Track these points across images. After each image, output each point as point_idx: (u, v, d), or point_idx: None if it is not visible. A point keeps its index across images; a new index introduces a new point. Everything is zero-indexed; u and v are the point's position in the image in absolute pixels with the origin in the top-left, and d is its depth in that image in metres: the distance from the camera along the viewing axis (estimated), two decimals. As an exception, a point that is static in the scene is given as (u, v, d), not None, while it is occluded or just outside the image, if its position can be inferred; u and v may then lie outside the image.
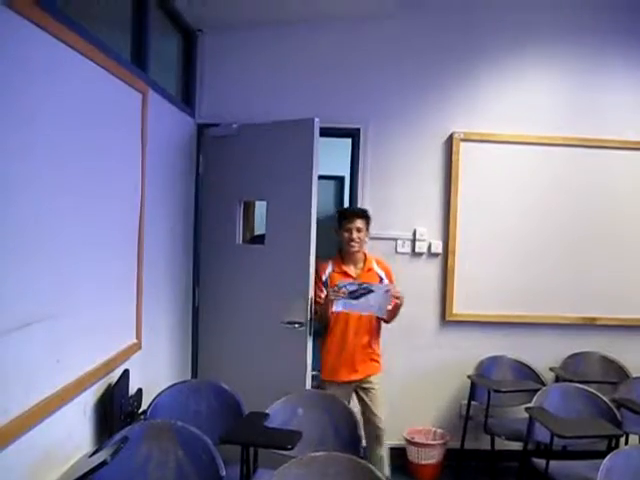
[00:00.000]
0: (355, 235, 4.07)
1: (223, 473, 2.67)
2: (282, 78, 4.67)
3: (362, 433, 3.30)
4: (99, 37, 2.84)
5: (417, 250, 4.73)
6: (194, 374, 4.56)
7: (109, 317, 3.03)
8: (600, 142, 4.70)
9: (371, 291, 3.88)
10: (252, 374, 4.21)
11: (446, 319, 4.73)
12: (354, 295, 3.85)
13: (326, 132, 4.18)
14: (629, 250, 4.78)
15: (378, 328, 4.20)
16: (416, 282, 4.71)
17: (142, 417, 3.27)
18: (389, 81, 4.71)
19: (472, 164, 4.69)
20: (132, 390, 3.26)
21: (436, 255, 4.74)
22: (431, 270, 4.76)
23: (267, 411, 3.30)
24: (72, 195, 2.57)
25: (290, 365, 4.07)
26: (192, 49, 4.63)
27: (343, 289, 3.85)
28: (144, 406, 3.35)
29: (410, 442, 4.60)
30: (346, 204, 4.64)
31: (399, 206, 4.73)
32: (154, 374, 3.73)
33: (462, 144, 4.68)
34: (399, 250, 4.73)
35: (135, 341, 3.39)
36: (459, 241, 4.71)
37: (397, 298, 3.95)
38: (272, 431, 3.13)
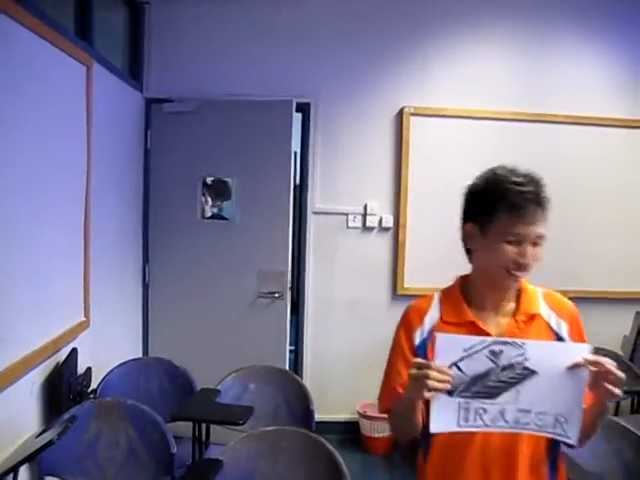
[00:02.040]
0: (529, 252, 1.80)
1: (174, 450, 2.66)
2: (231, 52, 4.60)
3: (314, 408, 3.30)
4: (41, 8, 2.76)
5: (368, 225, 4.72)
6: (145, 352, 4.53)
7: (55, 295, 2.98)
8: (550, 117, 4.74)
9: (532, 372, 1.63)
10: (218, 351, 4.28)
11: (397, 293, 4.75)
12: (486, 386, 1.64)
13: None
14: (582, 223, 4.83)
15: (555, 458, 1.82)
16: (367, 257, 4.72)
17: (92, 396, 3.23)
18: (339, 55, 4.67)
19: (422, 138, 4.70)
20: (81, 369, 3.21)
21: (387, 229, 4.75)
22: (382, 244, 4.76)
23: (218, 387, 3.29)
24: (12, 170, 2.49)
25: (268, 336, 4.13)
26: (139, 22, 4.53)
27: (458, 374, 1.62)
28: (94, 385, 3.31)
29: (363, 415, 4.63)
30: (297, 180, 4.62)
31: (350, 181, 4.71)
32: (104, 353, 3.68)
33: (412, 118, 4.67)
34: (350, 225, 4.72)
35: (83, 319, 3.33)
36: (410, 215, 4.72)
37: (609, 380, 1.58)
38: (223, 407, 3.12)
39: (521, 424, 1.63)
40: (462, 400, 1.62)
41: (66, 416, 2.63)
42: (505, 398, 1.62)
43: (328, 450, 2.45)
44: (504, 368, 1.62)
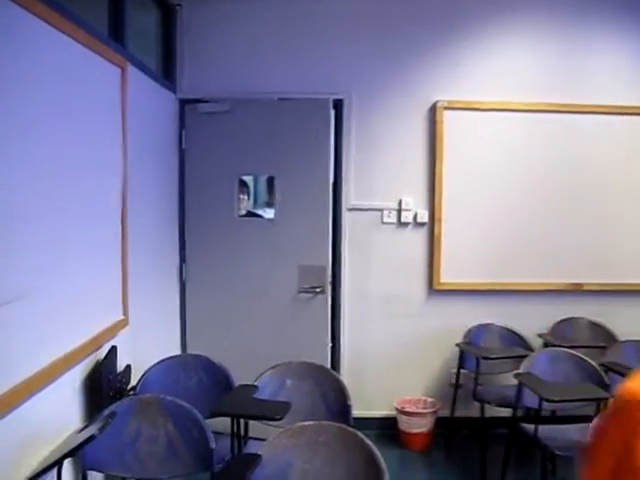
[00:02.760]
0: None
1: (213, 445, 2.68)
2: (263, 51, 4.62)
3: (351, 403, 3.30)
4: (76, 12, 2.79)
5: (403, 220, 4.71)
6: (183, 350, 4.58)
7: (94, 293, 3.01)
8: (585, 107, 4.69)
9: None
10: (254, 346, 4.39)
11: (433, 288, 4.73)
12: None
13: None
14: (614, 216, 4.78)
15: None
16: (403, 252, 4.72)
17: (131, 393, 3.27)
18: (371, 51, 4.67)
19: (456, 132, 4.67)
20: (120, 367, 3.25)
21: (422, 225, 4.73)
22: (417, 240, 4.75)
23: (255, 383, 3.30)
24: (49, 172, 2.52)
25: (307, 333, 4.23)
26: (171, 23, 4.57)
27: None
28: (133, 382, 3.35)
29: (400, 411, 4.62)
30: (331, 177, 4.63)
31: (384, 176, 4.71)
32: (142, 350, 3.72)
33: (446, 112, 4.65)
34: (385, 220, 4.71)
35: (122, 317, 3.37)
36: (445, 210, 4.70)
37: None
38: (261, 402, 3.14)
39: None
40: None
41: (106, 412, 2.67)
42: None
43: (366, 445, 2.45)
44: None
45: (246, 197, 4.76)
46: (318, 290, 4.50)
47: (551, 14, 4.71)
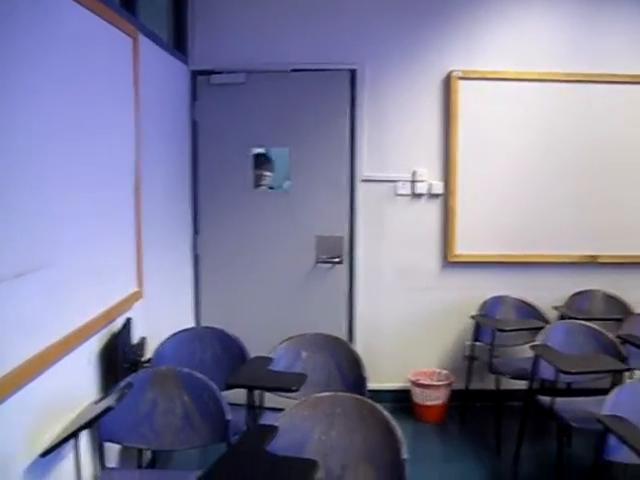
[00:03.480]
0: None
1: (229, 417, 2.67)
2: (276, 20, 4.56)
3: (367, 374, 3.29)
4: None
5: (417, 191, 4.67)
6: (197, 322, 4.58)
7: (109, 265, 3.00)
8: (600, 77, 4.62)
9: None
10: (270, 318, 4.43)
11: (448, 260, 4.70)
12: None
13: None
14: (629, 187, 4.73)
15: None
16: (417, 224, 4.68)
17: (146, 366, 3.27)
18: (384, 21, 4.60)
19: (471, 102, 4.62)
20: (135, 339, 3.25)
21: (437, 196, 4.69)
22: (432, 211, 4.71)
23: (270, 355, 3.30)
24: (62, 142, 2.50)
25: (325, 305, 4.25)
26: (183, -7, 4.52)
27: None
28: (148, 355, 3.35)
29: (415, 384, 4.61)
30: (347, 148, 4.58)
31: (398, 147, 4.66)
32: (157, 322, 3.72)
33: (460, 82, 4.59)
34: (399, 192, 4.67)
35: (137, 289, 3.37)
36: (460, 181, 4.65)
37: None
38: (277, 373, 3.14)
39: None
40: None
41: (123, 383, 2.66)
42: None
43: (383, 416, 2.43)
44: None
45: (270, 173, 4.72)
46: (336, 260, 4.51)
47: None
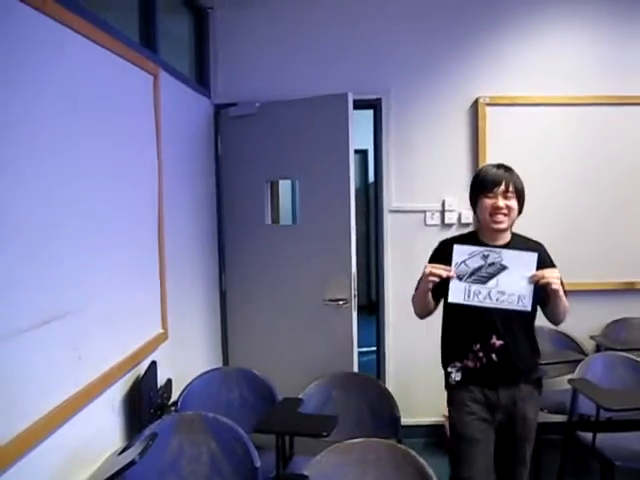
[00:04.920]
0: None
1: (258, 464, 2.59)
2: (297, 53, 4.53)
3: (399, 414, 3.20)
4: (105, 19, 2.73)
5: (447, 221, 4.57)
6: (225, 361, 4.49)
7: (132, 308, 2.95)
8: (632, 99, 4.52)
9: (505, 267, 2.61)
10: (290, 357, 4.20)
11: (480, 291, 4.58)
12: (479, 276, 2.62)
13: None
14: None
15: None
16: (447, 254, 4.57)
17: (173, 408, 3.20)
18: (408, 48, 4.54)
19: (499, 129, 4.52)
20: (161, 381, 3.19)
21: (467, 225, 4.57)
22: (462, 241, 4.60)
23: (300, 396, 3.21)
24: (84, 183, 2.47)
25: (335, 344, 4.00)
26: (204, 28, 4.50)
27: (464, 268, 2.62)
28: (174, 397, 3.28)
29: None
30: (371, 178, 4.50)
31: (426, 177, 4.57)
32: (183, 364, 3.65)
33: (488, 109, 4.51)
34: (428, 222, 4.58)
35: (161, 331, 3.30)
36: (490, 209, 4.54)
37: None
38: (307, 417, 3.05)
39: (499, 301, 2.62)
40: (467, 284, 2.63)
41: (147, 432, 2.59)
42: (490, 284, 2.62)
43: (418, 462, 2.36)
44: (489, 265, 2.62)
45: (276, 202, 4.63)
46: (341, 303, 4.09)
47: (592, 3, 4.54)
